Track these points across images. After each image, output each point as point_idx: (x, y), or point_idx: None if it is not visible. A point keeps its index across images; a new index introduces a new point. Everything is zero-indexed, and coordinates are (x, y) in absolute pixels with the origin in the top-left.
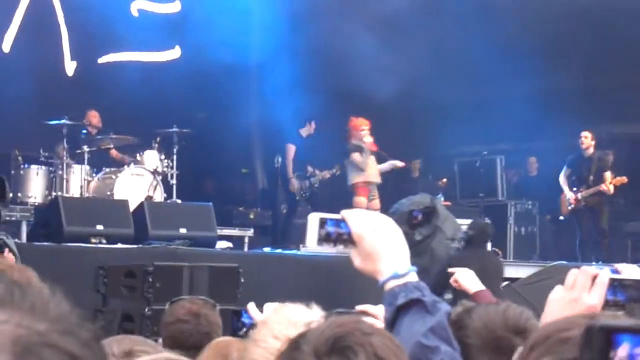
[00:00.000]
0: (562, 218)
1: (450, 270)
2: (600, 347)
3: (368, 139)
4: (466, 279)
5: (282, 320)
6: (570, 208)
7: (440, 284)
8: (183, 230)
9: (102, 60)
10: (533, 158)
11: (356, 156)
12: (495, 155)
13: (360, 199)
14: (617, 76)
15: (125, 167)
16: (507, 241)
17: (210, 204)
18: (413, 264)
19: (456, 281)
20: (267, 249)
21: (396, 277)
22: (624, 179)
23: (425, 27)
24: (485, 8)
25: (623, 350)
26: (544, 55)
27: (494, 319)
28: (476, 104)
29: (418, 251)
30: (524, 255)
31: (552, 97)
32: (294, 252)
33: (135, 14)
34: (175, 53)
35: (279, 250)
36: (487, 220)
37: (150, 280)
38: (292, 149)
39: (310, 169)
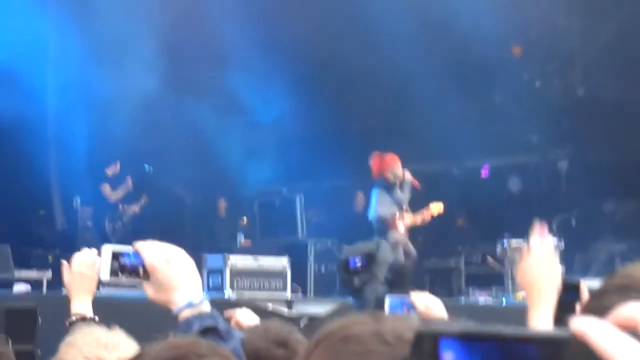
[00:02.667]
0: None
1: (227, 313)
2: (428, 353)
3: (408, 174)
4: (245, 317)
5: (90, 341)
6: None
7: None
8: None
9: None
10: (360, 193)
11: (399, 192)
12: (295, 194)
13: (395, 232)
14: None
15: None
16: (307, 278)
17: (7, 245)
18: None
19: (237, 322)
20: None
21: (190, 305)
22: (440, 205)
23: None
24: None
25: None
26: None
27: (255, 333)
28: (276, 144)
29: (357, 296)
30: (324, 292)
31: (348, 135)
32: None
33: None
34: None
35: None
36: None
37: None
38: (107, 187)
39: (120, 207)
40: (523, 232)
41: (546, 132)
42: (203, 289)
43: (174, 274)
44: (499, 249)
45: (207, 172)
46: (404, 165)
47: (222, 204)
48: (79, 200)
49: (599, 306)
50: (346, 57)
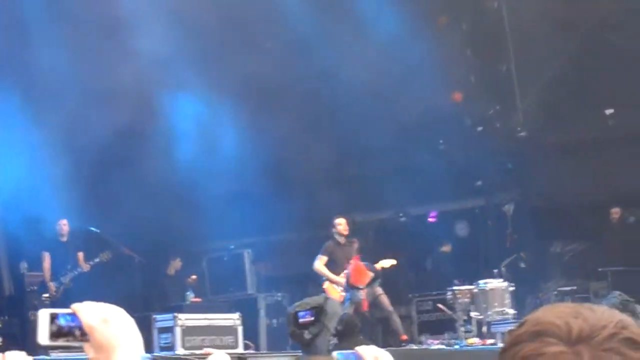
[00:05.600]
0: None
1: None
2: None
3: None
4: None
5: None
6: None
7: None
8: None
9: None
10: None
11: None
12: (242, 249)
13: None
14: (363, 166)
15: None
16: (257, 333)
17: None
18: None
19: None
20: None
21: None
22: (393, 262)
23: None
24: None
25: None
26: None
27: None
28: (225, 199)
29: (308, 350)
30: (276, 346)
31: (293, 188)
32: (43, 357)
33: None
34: None
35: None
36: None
37: None
38: (47, 256)
39: (68, 267)
40: (472, 277)
41: (491, 176)
42: (154, 349)
43: (113, 333)
44: (449, 294)
45: (154, 230)
46: (349, 215)
47: (177, 263)
48: (25, 265)
49: (515, 356)
50: (290, 105)
